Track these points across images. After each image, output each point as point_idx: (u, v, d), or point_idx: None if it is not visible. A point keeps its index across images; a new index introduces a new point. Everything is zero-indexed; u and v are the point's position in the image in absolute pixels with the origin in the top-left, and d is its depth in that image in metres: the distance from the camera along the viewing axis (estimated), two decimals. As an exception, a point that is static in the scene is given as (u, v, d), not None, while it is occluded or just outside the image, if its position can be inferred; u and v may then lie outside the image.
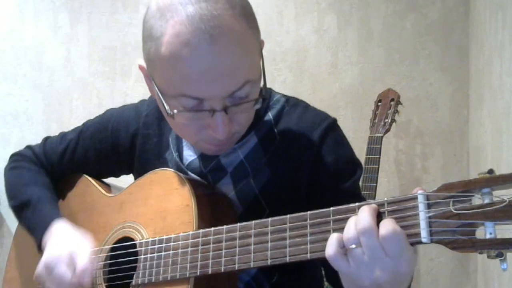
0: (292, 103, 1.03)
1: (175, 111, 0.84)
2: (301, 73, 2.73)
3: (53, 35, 2.94)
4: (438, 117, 2.59)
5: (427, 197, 0.70)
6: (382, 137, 2.24)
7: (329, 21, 2.71)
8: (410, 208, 0.71)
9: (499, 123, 1.92)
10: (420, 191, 0.70)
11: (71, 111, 2.87)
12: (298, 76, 2.73)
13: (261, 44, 0.90)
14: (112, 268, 1.01)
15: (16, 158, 1.20)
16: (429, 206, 0.70)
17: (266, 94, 0.87)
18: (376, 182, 2.16)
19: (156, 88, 0.87)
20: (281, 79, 2.73)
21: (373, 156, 2.21)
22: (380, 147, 2.22)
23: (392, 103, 2.30)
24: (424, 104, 2.60)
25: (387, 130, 2.27)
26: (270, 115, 1.00)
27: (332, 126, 0.99)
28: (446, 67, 2.58)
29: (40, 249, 1.06)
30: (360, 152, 2.30)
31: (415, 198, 0.70)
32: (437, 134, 2.59)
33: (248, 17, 0.84)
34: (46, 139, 1.22)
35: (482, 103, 2.25)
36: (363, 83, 2.66)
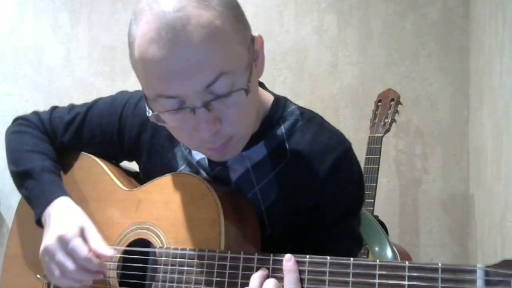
0: (307, 117, 0.98)
1: (156, 113, 0.82)
2: (301, 73, 2.73)
3: (53, 35, 2.94)
4: (438, 117, 2.59)
5: (487, 273, 0.66)
6: (382, 137, 2.24)
7: (329, 21, 2.71)
8: (467, 281, 0.67)
9: (499, 123, 1.92)
10: (479, 265, 0.67)
11: (71, 111, 2.87)
12: (298, 76, 2.73)
13: (250, 37, 0.86)
14: (126, 271, 0.98)
15: (21, 122, 1.17)
16: (487, 282, 0.66)
17: (250, 88, 0.83)
18: (376, 182, 2.16)
19: (144, 94, 0.86)
20: (281, 79, 2.73)
21: (373, 156, 2.21)
22: (380, 147, 2.22)
23: (392, 103, 2.30)
24: (424, 104, 2.60)
25: (387, 130, 2.27)
26: (282, 128, 0.96)
27: (345, 154, 0.94)
28: (446, 67, 2.58)
29: (39, 222, 1.03)
30: (360, 152, 2.30)
31: (473, 272, 0.67)
32: (437, 134, 2.59)
33: (225, 7, 0.81)
34: (54, 108, 1.19)
35: (482, 103, 2.25)
36: (363, 83, 2.66)
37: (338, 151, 0.93)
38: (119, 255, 0.99)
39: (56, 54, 2.93)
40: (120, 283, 0.97)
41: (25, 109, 2.87)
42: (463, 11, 2.57)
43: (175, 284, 0.88)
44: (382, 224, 2.10)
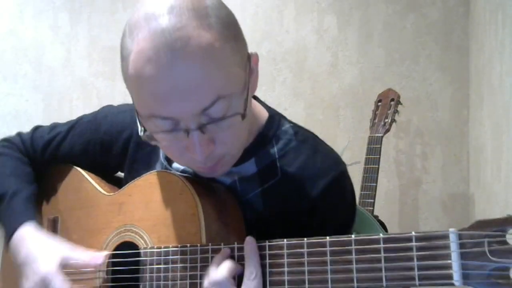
0: (301, 138, 0.96)
1: (148, 133, 0.82)
2: (301, 73, 2.73)
3: (53, 35, 2.94)
4: (438, 117, 2.59)
5: (460, 236, 0.66)
6: (382, 137, 2.24)
7: (329, 21, 2.71)
8: (441, 248, 0.67)
9: (499, 123, 1.92)
10: (451, 229, 0.66)
11: (71, 111, 2.87)
12: (298, 76, 2.73)
13: (246, 56, 0.84)
14: (115, 275, 0.98)
15: (4, 144, 1.16)
16: (461, 245, 0.65)
17: (246, 112, 0.81)
18: (376, 182, 2.16)
19: (135, 109, 0.84)
20: (281, 79, 2.73)
21: (373, 156, 2.21)
22: (380, 147, 2.22)
23: (392, 103, 2.30)
24: (424, 104, 2.60)
25: (387, 130, 2.27)
26: (275, 147, 0.95)
27: (338, 178, 0.93)
28: (446, 67, 2.59)
29: (8, 247, 1.02)
30: (360, 152, 2.30)
31: (446, 237, 0.66)
32: (437, 134, 2.59)
33: (224, 27, 0.78)
34: (37, 127, 1.18)
35: (482, 103, 2.25)
36: (363, 83, 2.66)
37: (331, 176, 0.92)
38: (106, 261, 0.98)
39: (56, 54, 2.93)
40: None
41: (25, 109, 2.91)
42: (463, 11, 2.57)
43: (162, 283, 0.89)
44: (382, 224, 2.10)
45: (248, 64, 0.84)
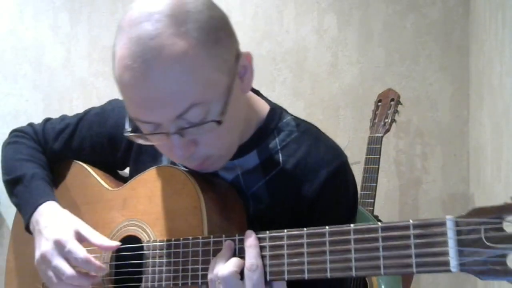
0: (302, 129, 0.97)
1: (132, 134, 0.85)
2: (301, 73, 2.73)
3: (53, 35, 2.94)
4: (438, 117, 2.59)
5: (457, 223, 0.66)
6: (382, 137, 2.24)
7: (329, 21, 2.71)
8: (438, 235, 0.67)
9: (499, 123, 1.92)
10: (448, 217, 0.67)
11: (71, 111, 2.84)
12: (298, 76, 2.73)
13: (233, 57, 0.83)
14: (119, 269, 0.99)
15: (17, 134, 1.18)
16: (458, 232, 0.66)
17: (223, 119, 0.81)
18: (376, 182, 2.16)
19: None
20: (281, 79, 2.73)
21: (373, 156, 2.21)
22: (380, 147, 2.22)
23: (392, 103, 2.30)
24: (424, 104, 2.60)
25: (387, 130, 2.27)
26: (277, 139, 0.96)
27: (340, 169, 0.94)
28: (446, 67, 2.58)
29: (27, 228, 1.02)
30: (360, 152, 2.30)
31: (443, 224, 0.67)
32: (437, 134, 2.59)
33: (203, 33, 0.78)
34: (47, 120, 1.20)
35: (482, 103, 2.25)
36: (363, 83, 2.66)
37: (333, 166, 0.93)
38: (110, 254, 0.99)
39: (56, 54, 2.93)
40: (115, 281, 0.98)
41: (25, 109, 2.91)
42: (463, 11, 2.57)
43: (164, 275, 0.89)
44: (382, 224, 2.10)
45: (236, 64, 0.84)
